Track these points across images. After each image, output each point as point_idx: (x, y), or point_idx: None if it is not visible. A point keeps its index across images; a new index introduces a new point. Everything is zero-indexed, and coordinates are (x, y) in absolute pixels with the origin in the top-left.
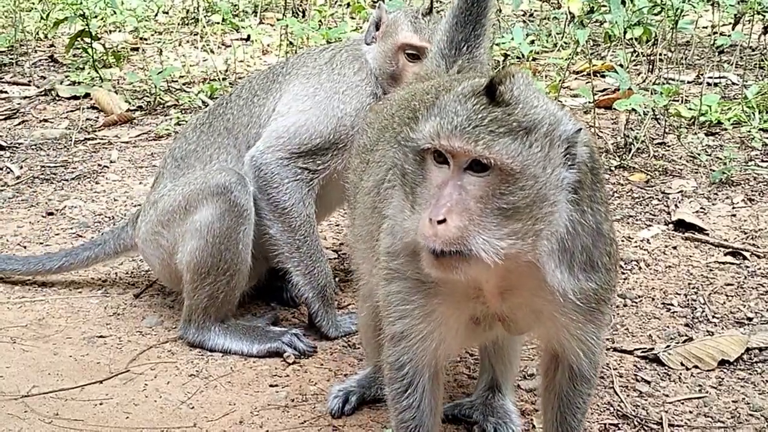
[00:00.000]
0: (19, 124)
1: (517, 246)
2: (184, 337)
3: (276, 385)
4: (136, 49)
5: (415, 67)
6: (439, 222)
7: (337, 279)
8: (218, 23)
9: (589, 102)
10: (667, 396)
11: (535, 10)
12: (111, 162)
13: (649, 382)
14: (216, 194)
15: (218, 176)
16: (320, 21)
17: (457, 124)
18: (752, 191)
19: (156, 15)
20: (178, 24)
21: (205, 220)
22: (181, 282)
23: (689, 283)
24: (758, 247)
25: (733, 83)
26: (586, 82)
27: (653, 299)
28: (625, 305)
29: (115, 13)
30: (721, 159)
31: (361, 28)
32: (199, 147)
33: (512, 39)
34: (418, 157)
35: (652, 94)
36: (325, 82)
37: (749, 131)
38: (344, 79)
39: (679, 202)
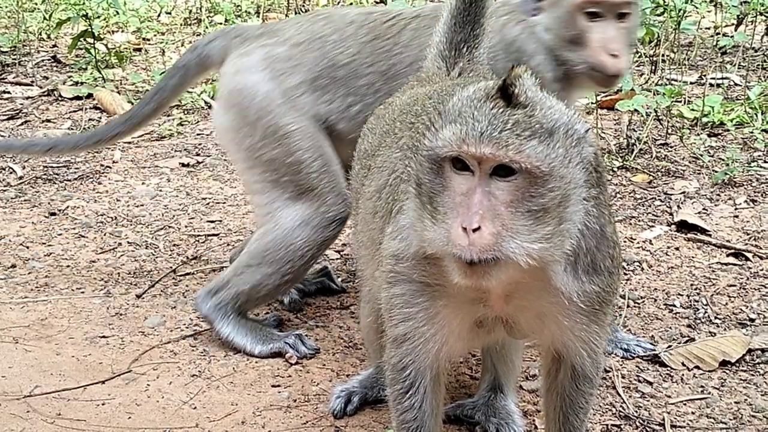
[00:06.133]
0: (21, 124)
1: (547, 246)
2: (197, 307)
3: (278, 386)
4: (139, 50)
5: (599, 29)
6: (474, 230)
7: (339, 279)
8: (221, 24)
9: (592, 103)
10: (669, 397)
11: None
12: (113, 162)
13: (651, 383)
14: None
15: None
16: None
17: (482, 129)
18: (755, 192)
19: (159, 15)
20: (181, 24)
21: (300, 217)
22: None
23: (691, 284)
24: (761, 248)
25: (736, 84)
26: None
27: (655, 300)
28: (627, 306)
29: (117, 13)
30: (723, 160)
31: None
32: None
33: None
34: (435, 166)
35: (654, 94)
36: None
37: (752, 132)
38: None
39: (682, 203)
